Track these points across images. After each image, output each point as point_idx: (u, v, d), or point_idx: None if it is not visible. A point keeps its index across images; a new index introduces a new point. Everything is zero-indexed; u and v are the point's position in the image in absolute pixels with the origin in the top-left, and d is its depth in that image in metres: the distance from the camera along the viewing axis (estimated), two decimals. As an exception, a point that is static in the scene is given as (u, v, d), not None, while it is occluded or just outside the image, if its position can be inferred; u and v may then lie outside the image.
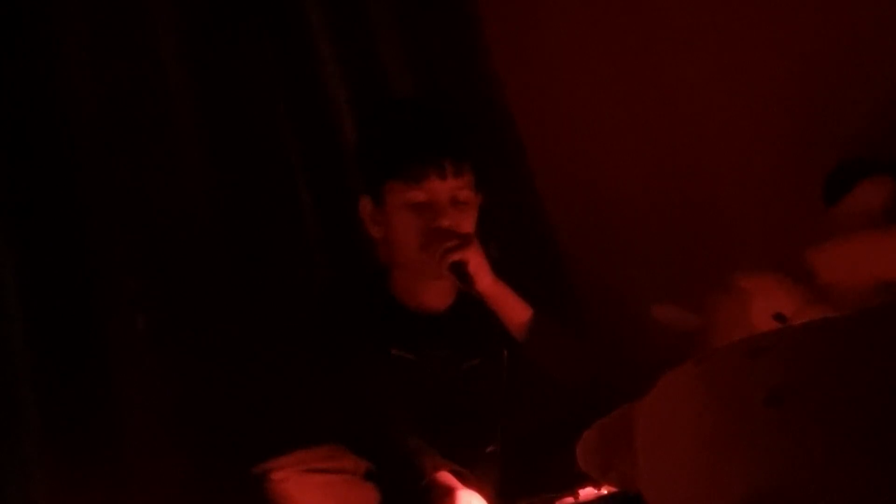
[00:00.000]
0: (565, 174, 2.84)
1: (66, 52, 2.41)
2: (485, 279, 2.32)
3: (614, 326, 2.70)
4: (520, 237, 2.73)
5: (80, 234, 2.39)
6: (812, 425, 1.27)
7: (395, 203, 2.30)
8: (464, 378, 2.35)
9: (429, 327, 2.36)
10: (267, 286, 2.51)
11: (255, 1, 2.60)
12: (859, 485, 1.23)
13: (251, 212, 2.53)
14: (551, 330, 2.36)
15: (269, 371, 2.44)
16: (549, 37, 2.88)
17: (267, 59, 2.60)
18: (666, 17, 2.80)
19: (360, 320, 2.35)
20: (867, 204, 2.44)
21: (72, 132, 2.40)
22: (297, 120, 2.61)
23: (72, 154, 2.40)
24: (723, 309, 2.39)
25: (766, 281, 2.35)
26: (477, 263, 2.30)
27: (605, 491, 1.98)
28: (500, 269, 2.38)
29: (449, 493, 2.13)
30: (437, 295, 2.37)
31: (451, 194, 2.30)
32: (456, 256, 2.27)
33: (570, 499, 2.08)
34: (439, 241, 2.27)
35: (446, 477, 2.16)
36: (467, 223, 2.32)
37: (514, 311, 2.35)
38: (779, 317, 2.28)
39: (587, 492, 2.05)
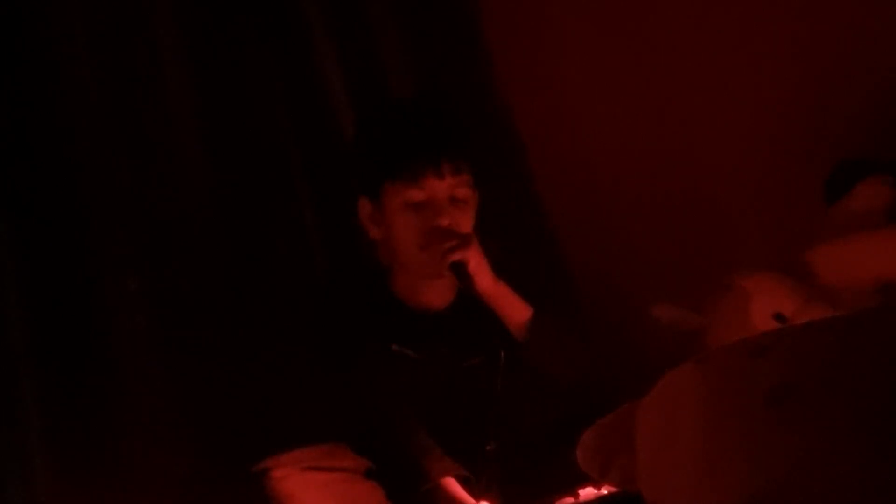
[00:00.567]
0: (565, 174, 2.84)
1: (66, 52, 2.41)
2: (485, 279, 2.32)
3: (614, 326, 2.70)
4: (520, 237, 2.73)
5: (80, 234, 2.39)
6: (812, 425, 1.27)
7: (394, 203, 2.31)
8: (464, 376, 2.35)
9: (430, 325, 2.36)
10: (267, 285, 2.51)
11: (255, 1, 2.60)
12: (860, 484, 1.23)
13: (251, 211, 2.53)
14: (551, 330, 2.36)
15: (270, 370, 2.44)
16: (549, 36, 2.88)
17: (267, 59, 2.60)
18: (666, 17, 2.80)
19: (361, 318, 2.35)
20: (867, 204, 2.44)
21: (72, 132, 2.40)
22: (297, 120, 2.61)
23: (72, 154, 2.40)
24: (723, 309, 2.39)
25: (766, 281, 2.35)
26: (477, 263, 2.30)
27: (605, 491, 1.98)
28: (501, 269, 2.38)
29: None
30: (437, 293, 2.37)
31: (450, 193, 2.30)
32: (456, 256, 2.27)
33: (570, 499, 2.08)
34: (439, 241, 2.27)
35: (452, 485, 2.15)
36: (466, 221, 2.33)
37: (514, 310, 2.35)
38: (779, 317, 2.28)
39: (587, 492, 2.05)
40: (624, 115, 2.83)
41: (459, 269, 2.28)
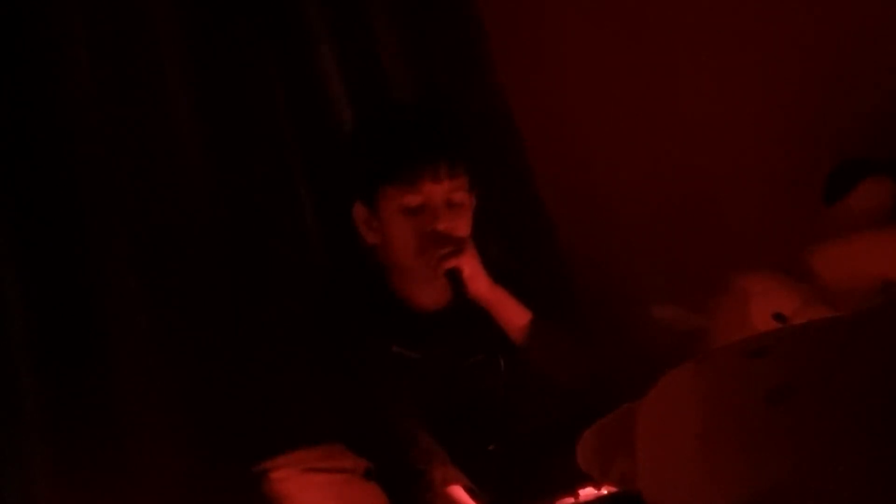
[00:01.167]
0: (565, 174, 2.84)
1: (66, 52, 2.41)
2: (480, 285, 2.32)
3: (614, 326, 2.70)
4: (520, 237, 2.73)
5: (80, 234, 2.38)
6: (812, 425, 1.27)
7: (390, 208, 2.30)
8: (465, 376, 2.35)
9: (430, 325, 2.36)
10: (267, 285, 2.51)
11: (255, 1, 2.60)
12: (860, 484, 1.23)
13: (251, 211, 2.53)
14: (550, 333, 2.36)
15: (270, 370, 2.44)
16: (549, 36, 2.88)
17: (267, 60, 2.60)
18: (666, 17, 2.80)
19: (361, 319, 2.35)
20: (867, 204, 2.44)
21: (72, 132, 2.40)
22: (297, 120, 2.61)
23: (72, 154, 2.40)
24: (723, 309, 2.39)
25: (766, 281, 2.35)
26: (472, 270, 2.30)
27: (605, 491, 1.98)
28: (500, 271, 2.38)
29: None
30: (436, 294, 2.37)
31: (446, 196, 2.30)
32: (451, 264, 2.28)
33: (570, 499, 2.08)
34: (434, 247, 2.27)
35: (458, 493, 2.15)
36: (463, 225, 2.32)
37: (512, 315, 2.35)
38: (779, 317, 2.28)
39: (587, 492, 2.05)
40: (624, 115, 2.84)
41: (455, 276, 2.28)
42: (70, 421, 2.30)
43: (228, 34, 2.56)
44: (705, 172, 2.79)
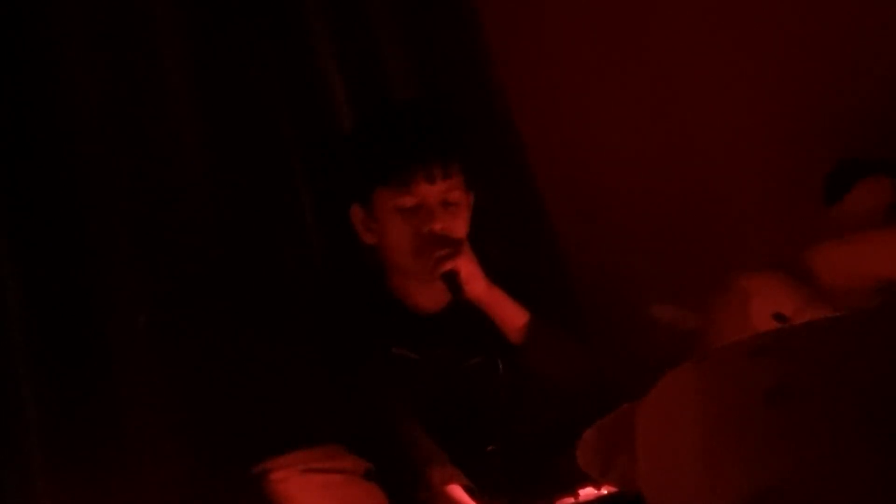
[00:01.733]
0: (565, 174, 2.84)
1: (66, 52, 2.41)
2: (477, 286, 2.32)
3: (614, 327, 2.70)
4: (520, 237, 2.73)
5: (80, 234, 2.38)
6: (812, 425, 1.27)
7: (386, 209, 2.31)
8: (464, 377, 2.35)
9: (429, 327, 2.36)
10: (267, 286, 2.51)
11: (255, 1, 2.60)
12: (859, 484, 1.23)
13: (251, 212, 2.53)
14: (548, 334, 2.36)
15: (270, 371, 2.43)
16: (549, 36, 2.88)
17: (267, 60, 2.60)
18: (666, 16, 2.80)
19: (361, 320, 2.35)
20: (867, 204, 2.44)
21: (72, 132, 2.40)
22: (297, 120, 2.60)
23: (72, 155, 2.40)
24: (723, 309, 2.39)
25: (766, 281, 2.35)
26: (469, 271, 2.30)
27: (605, 491, 1.98)
28: (499, 271, 2.37)
29: None
30: (434, 295, 2.37)
31: (442, 197, 2.30)
32: (447, 266, 2.28)
33: (570, 499, 2.08)
34: (431, 248, 2.27)
35: (456, 491, 2.15)
36: (460, 225, 2.32)
37: (510, 315, 2.35)
38: (779, 317, 2.28)
39: (587, 492, 2.05)
40: (624, 115, 2.83)
41: (451, 278, 2.28)
42: (70, 421, 2.30)
43: (228, 34, 2.56)
44: (705, 172, 2.79)
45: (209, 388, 2.41)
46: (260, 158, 2.56)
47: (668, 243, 2.80)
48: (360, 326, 2.34)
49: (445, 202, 2.30)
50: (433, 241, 2.28)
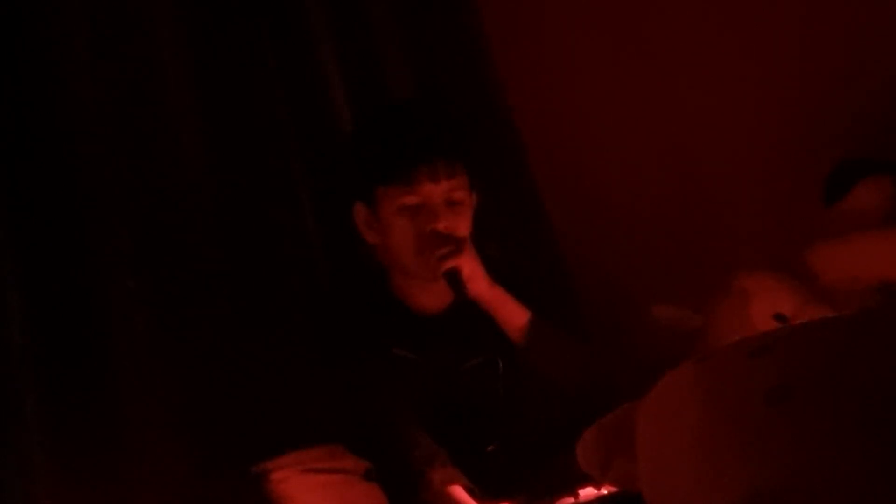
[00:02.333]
0: (565, 174, 2.84)
1: (66, 52, 2.41)
2: (479, 285, 2.32)
3: (614, 327, 2.70)
4: (520, 237, 2.73)
5: (80, 234, 2.38)
6: (812, 425, 1.27)
7: (389, 208, 2.31)
8: (465, 377, 2.35)
9: (429, 327, 2.36)
10: (267, 286, 2.51)
11: (255, 1, 2.60)
12: (860, 484, 1.23)
13: (251, 212, 2.53)
14: (549, 333, 2.36)
15: (270, 371, 2.43)
16: (550, 37, 2.88)
17: (267, 60, 2.60)
18: (666, 18, 2.80)
19: (361, 320, 2.35)
20: (867, 204, 2.44)
21: (72, 132, 2.40)
22: (297, 120, 2.60)
23: (72, 154, 2.40)
24: (723, 309, 2.39)
25: (766, 281, 2.35)
26: (471, 270, 2.30)
27: (605, 491, 1.98)
28: (499, 271, 2.37)
29: None
30: (436, 295, 2.37)
31: (445, 196, 2.30)
32: (449, 264, 2.27)
33: (570, 499, 2.08)
34: (433, 247, 2.27)
35: (457, 492, 2.15)
36: (463, 225, 2.32)
37: (511, 315, 2.35)
38: (779, 317, 2.28)
39: (587, 492, 2.05)
40: (624, 115, 2.84)
41: (453, 277, 2.28)
42: (70, 421, 2.30)
43: (228, 34, 2.56)
44: (705, 172, 2.79)
45: (209, 388, 2.41)
46: (260, 159, 2.56)
47: (668, 243, 2.80)
48: (361, 326, 2.34)
49: (449, 201, 2.30)
50: (436, 240, 2.28)
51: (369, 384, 2.30)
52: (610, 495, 1.94)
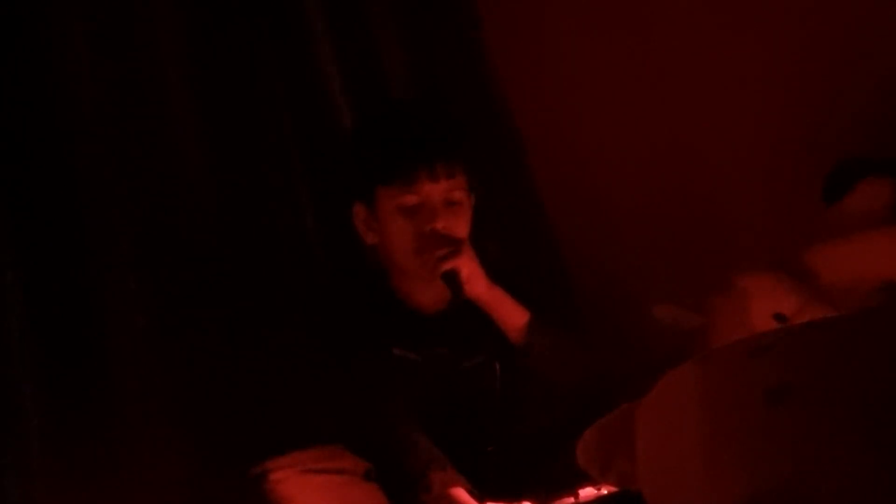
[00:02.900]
0: (565, 174, 2.84)
1: (66, 52, 2.41)
2: (478, 286, 2.32)
3: (614, 327, 2.70)
4: (520, 237, 2.73)
5: (80, 234, 2.38)
6: (812, 425, 1.27)
7: (388, 208, 2.31)
8: (465, 377, 2.35)
9: (429, 326, 2.36)
10: (267, 286, 2.51)
11: (255, 1, 2.60)
12: (860, 484, 1.23)
13: (251, 212, 2.53)
14: (549, 334, 2.36)
15: (270, 371, 2.43)
16: (549, 37, 2.88)
17: (267, 60, 2.60)
18: (666, 17, 2.80)
19: (361, 320, 2.35)
20: (867, 204, 2.44)
21: (72, 132, 2.40)
22: (297, 120, 2.61)
23: (71, 154, 2.40)
24: (723, 309, 2.39)
25: (766, 281, 2.35)
26: (470, 270, 2.30)
27: (605, 491, 1.98)
28: (499, 271, 2.37)
29: None
30: (435, 294, 2.37)
31: (444, 196, 2.30)
32: (448, 265, 2.28)
33: (570, 499, 2.08)
34: (432, 247, 2.27)
35: (461, 495, 2.15)
36: (461, 225, 2.32)
37: (511, 315, 2.35)
38: (779, 317, 2.28)
39: (587, 492, 2.05)
40: (624, 115, 2.83)
41: (452, 277, 2.28)
42: (70, 421, 2.30)
43: (228, 34, 2.56)
44: (705, 172, 2.79)
45: (209, 389, 2.41)
46: (260, 158, 2.56)
47: (668, 243, 2.80)
48: (361, 326, 2.34)
49: (448, 201, 2.30)
50: (434, 241, 2.28)
51: (369, 384, 2.30)
52: (610, 495, 1.94)
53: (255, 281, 2.50)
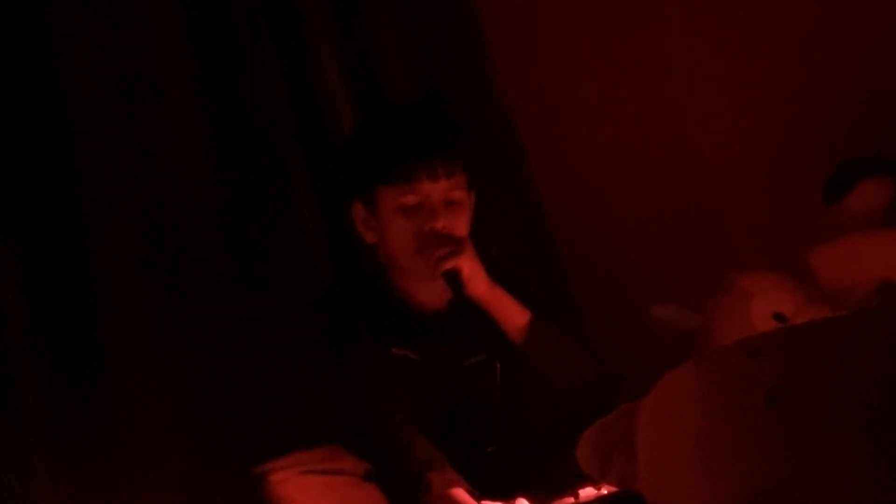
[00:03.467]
0: (565, 174, 2.84)
1: (66, 52, 2.41)
2: (479, 285, 2.32)
3: (614, 327, 2.70)
4: (520, 237, 2.73)
5: (80, 234, 2.38)
6: (812, 425, 1.27)
7: (388, 207, 2.31)
8: (464, 377, 2.35)
9: (429, 325, 2.36)
10: (267, 286, 2.51)
11: (255, 1, 2.60)
12: (860, 484, 1.23)
13: (251, 212, 2.53)
14: (549, 333, 2.36)
15: (269, 371, 2.43)
16: (549, 37, 2.88)
17: (267, 60, 2.60)
18: (666, 17, 2.80)
19: (361, 319, 2.35)
20: (867, 204, 2.44)
21: (71, 132, 2.40)
22: (297, 119, 2.61)
23: (72, 154, 2.40)
24: (723, 309, 2.39)
25: (766, 281, 2.35)
26: (471, 270, 2.30)
27: (605, 491, 1.98)
28: (499, 271, 2.37)
29: None
30: (435, 293, 2.37)
31: (444, 195, 2.30)
32: (449, 264, 2.27)
33: (570, 499, 2.08)
34: (433, 246, 2.27)
35: (461, 495, 2.15)
36: (461, 224, 2.32)
37: (511, 314, 2.35)
38: (779, 317, 2.28)
39: (587, 492, 2.05)
40: (624, 115, 2.84)
41: (453, 277, 2.28)
42: (70, 421, 2.30)
43: (228, 34, 2.56)
44: (705, 172, 2.79)
45: (209, 388, 2.41)
46: (260, 158, 2.56)
47: (668, 243, 2.80)
48: (360, 327, 2.34)
49: (448, 201, 2.30)
50: (435, 240, 2.28)
51: (368, 384, 2.30)
52: (610, 495, 1.93)
53: (255, 281, 2.50)
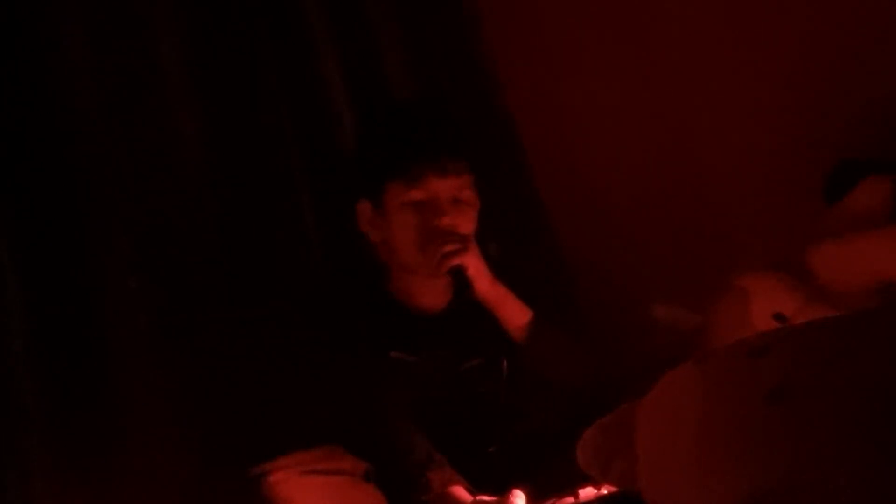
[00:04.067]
0: (565, 174, 2.84)
1: (66, 52, 2.41)
2: (483, 283, 2.32)
3: (614, 326, 2.70)
4: (520, 239, 2.73)
5: (80, 234, 2.38)
6: (813, 425, 1.27)
7: (395, 203, 2.31)
8: (464, 378, 2.35)
9: (428, 327, 2.36)
10: (267, 287, 2.51)
11: (255, 1, 2.60)
12: (861, 484, 1.23)
13: (251, 212, 2.53)
14: (550, 332, 2.36)
15: (269, 372, 2.43)
16: (549, 37, 2.88)
17: (267, 60, 2.60)
18: (666, 17, 2.80)
19: (360, 321, 2.35)
20: (867, 204, 2.44)
21: (71, 132, 2.40)
22: (297, 120, 2.61)
23: (71, 153, 2.40)
24: (723, 309, 2.39)
25: (766, 281, 2.35)
26: (475, 268, 2.30)
27: (605, 491, 1.98)
28: (500, 271, 2.38)
29: None
30: (435, 294, 2.37)
31: (451, 193, 2.30)
32: (454, 261, 2.28)
33: (570, 499, 2.08)
34: (438, 243, 2.27)
35: (461, 494, 2.15)
36: (467, 223, 2.33)
37: (513, 313, 2.35)
38: (779, 317, 2.28)
39: (587, 492, 2.05)
40: (624, 116, 2.84)
41: (458, 274, 2.28)
42: (70, 421, 2.30)
43: (229, 35, 2.57)
44: (705, 172, 2.79)
45: (209, 389, 2.41)
46: (260, 158, 2.56)
47: (668, 243, 2.80)
48: (359, 327, 2.34)
49: (455, 199, 2.31)
50: (440, 236, 2.28)
51: (367, 386, 2.30)
52: (610, 495, 1.93)
53: (254, 281, 2.50)
